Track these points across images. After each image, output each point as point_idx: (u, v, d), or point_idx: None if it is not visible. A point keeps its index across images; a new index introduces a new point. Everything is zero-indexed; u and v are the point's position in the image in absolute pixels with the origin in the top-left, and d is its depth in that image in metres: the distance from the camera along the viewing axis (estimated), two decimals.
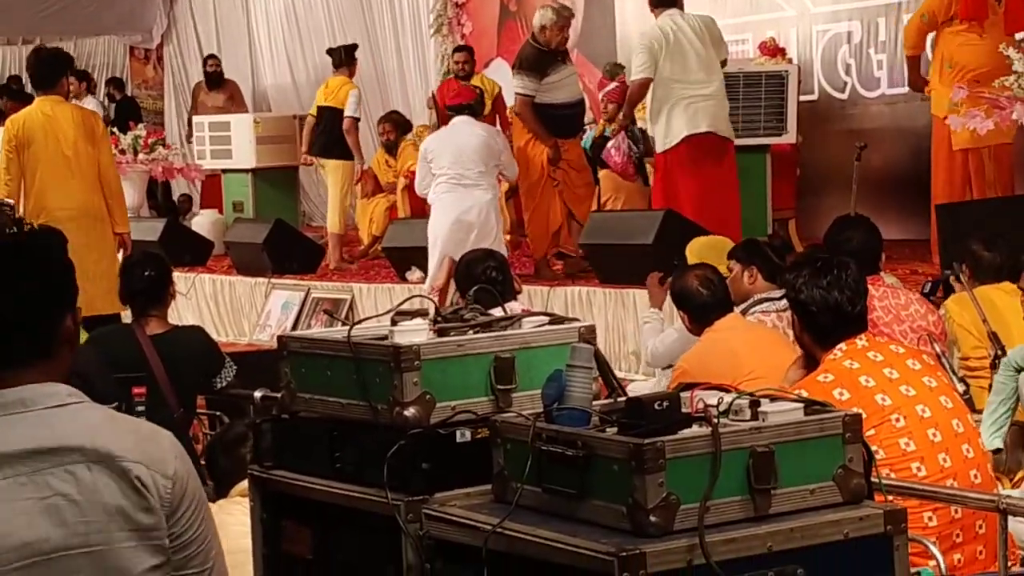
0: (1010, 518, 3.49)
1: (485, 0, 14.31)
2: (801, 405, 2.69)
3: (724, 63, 9.00)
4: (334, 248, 11.57)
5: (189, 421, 5.59)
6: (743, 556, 2.50)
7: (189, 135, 14.82)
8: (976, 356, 5.65)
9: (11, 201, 7.62)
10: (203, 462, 4.19)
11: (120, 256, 7.79)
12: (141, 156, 12.73)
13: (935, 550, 3.48)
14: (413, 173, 10.30)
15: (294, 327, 10.39)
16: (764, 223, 9.81)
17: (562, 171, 9.72)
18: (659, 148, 8.85)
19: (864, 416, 3.87)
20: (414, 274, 10.04)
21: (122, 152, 12.75)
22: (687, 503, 2.50)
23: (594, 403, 2.78)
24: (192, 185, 14.73)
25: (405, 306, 3.17)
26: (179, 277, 11.24)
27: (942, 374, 4.17)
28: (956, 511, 3.84)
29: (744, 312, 5.65)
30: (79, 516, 2.25)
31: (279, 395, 3.24)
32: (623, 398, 2.84)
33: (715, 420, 2.60)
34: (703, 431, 2.58)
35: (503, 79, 13.45)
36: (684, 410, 2.68)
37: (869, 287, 5.66)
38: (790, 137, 10.00)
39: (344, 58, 11.60)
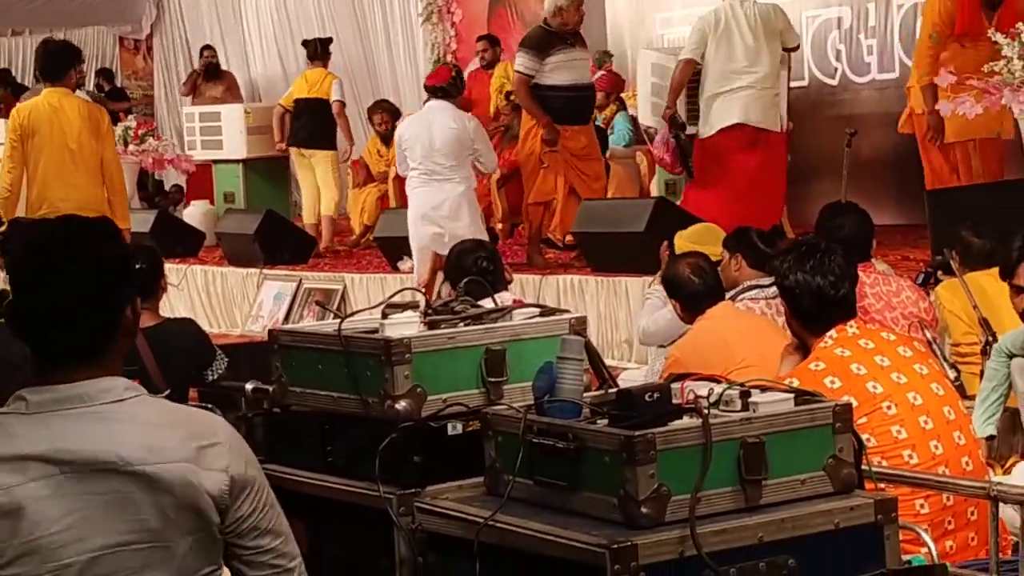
0: (1002, 504, 3.50)
1: None
2: (791, 395, 2.70)
3: (794, 50, 9.00)
4: (329, 232, 11.75)
5: None
6: (734, 547, 2.51)
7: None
8: (967, 342, 5.66)
9: None
10: None
11: None
12: (131, 147, 12.69)
13: (927, 537, 3.48)
14: None
15: (286, 318, 10.38)
16: None
17: (565, 159, 9.44)
18: (700, 136, 8.85)
19: (855, 404, 3.88)
20: (406, 263, 10.02)
21: None
22: (678, 494, 2.51)
23: (585, 395, 2.79)
24: (182, 176, 14.70)
25: (396, 299, 3.17)
26: (171, 268, 11.24)
27: (933, 361, 4.18)
28: (948, 498, 3.85)
29: (733, 299, 5.65)
30: (136, 513, 2.26)
31: (270, 388, 3.24)
32: (614, 389, 2.85)
33: (706, 411, 2.61)
34: (694, 422, 2.58)
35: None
36: (675, 401, 2.69)
37: (860, 274, 5.69)
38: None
39: (319, 51, 11.88)
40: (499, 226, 11.34)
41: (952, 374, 4.93)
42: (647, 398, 2.63)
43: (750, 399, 2.66)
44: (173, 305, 11.04)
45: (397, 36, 15.04)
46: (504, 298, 5.37)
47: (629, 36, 12.61)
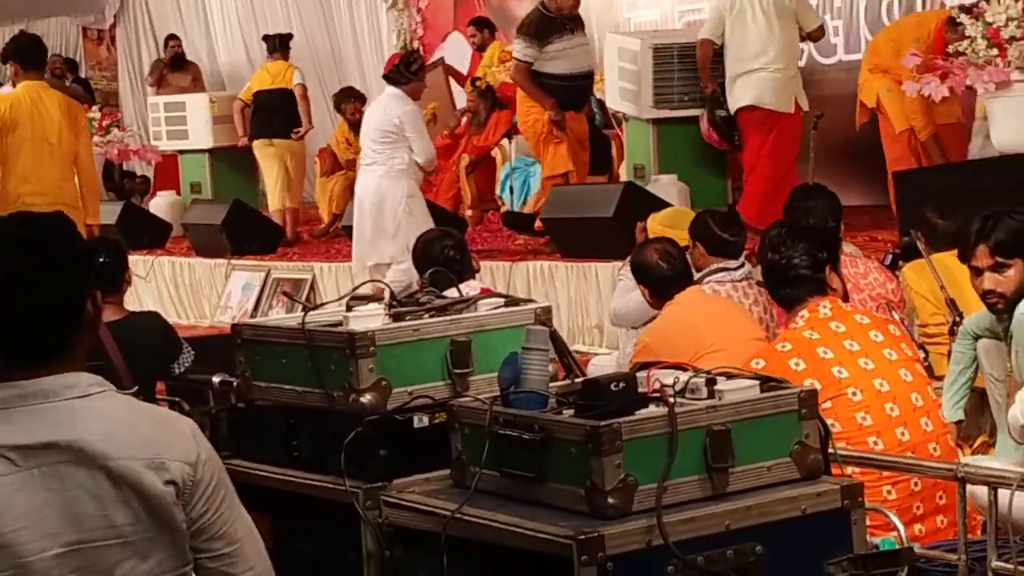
0: (970, 485, 3.50)
1: None
2: (757, 382, 2.69)
3: (816, 32, 9.09)
4: (294, 223, 11.90)
5: None
6: (701, 535, 2.51)
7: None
8: (934, 323, 5.68)
9: None
10: None
11: None
12: (96, 138, 12.59)
13: (895, 519, 3.48)
14: None
15: (255, 308, 10.34)
16: (723, 193, 9.82)
17: (567, 143, 9.30)
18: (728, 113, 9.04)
19: (820, 387, 3.90)
20: None
21: None
22: (645, 484, 2.50)
23: (551, 385, 2.78)
24: (148, 167, 14.62)
25: (361, 290, 3.15)
26: (138, 260, 11.21)
27: (908, 346, 4.16)
28: (916, 484, 3.86)
29: (698, 282, 5.65)
30: (101, 510, 2.25)
31: (236, 382, 3.22)
32: (580, 379, 2.83)
33: (671, 400, 2.60)
34: (659, 411, 2.57)
35: (461, 53, 13.42)
36: (641, 390, 2.68)
37: None
38: None
39: (279, 45, 12.27)
40: (468, 213, 11.31)
41: (920, 355, 4.94)
42: (613, 388, 2.61)
43: (716, 387, 2.65)
44: (141, 297, 10.99)
45: (362, 23, 14.98)
46: (472, 286, 5.36)
47: (596, 20, 12.57)
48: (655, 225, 6.71)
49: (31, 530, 2.22)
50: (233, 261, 10.97)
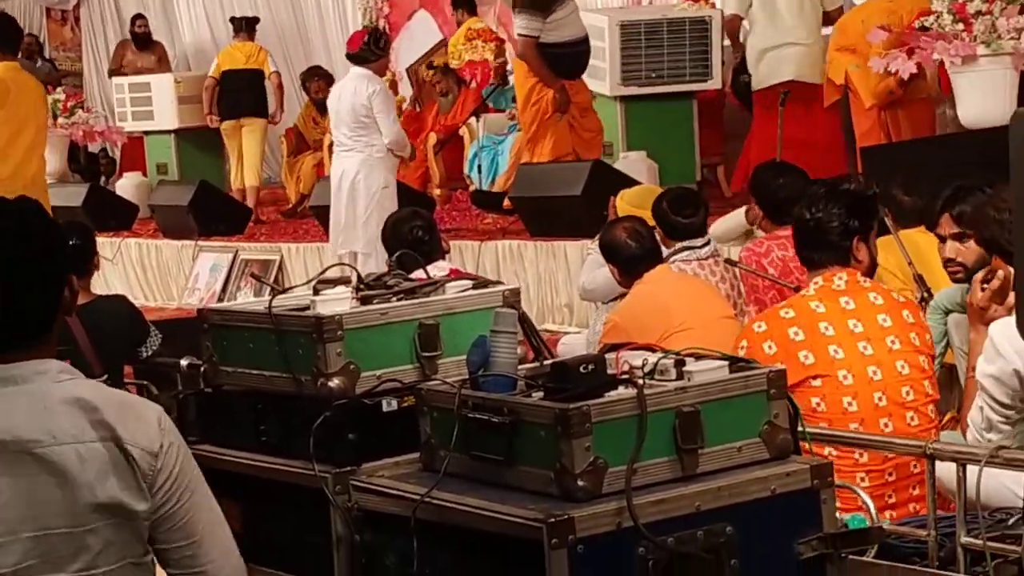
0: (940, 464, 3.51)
1: None
2: (726, 363, 2.69)
3: (835, 12, 9.08)
4: (255, 200, 12.04)
5: None
6: (671, 516, 2.50)
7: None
8: None
9: None
10: None
11: None
12: (61, 120, 12.50)
13: (865, 497, 3.50)
14: None
15: (223, 290, 10.29)
16: (692, 170, 9.82)
17: (570, 115, 9.08)
18: (753, 88, 9.05)
19: (812, 361, 3.89)
20: None
21: None
22: (615, 466, 2.50)
23: (520, 367, 2.77)
24: (114, 148, 14.52)
25: (328, 273, 3.13)
26: (104, 242, 11.13)
27: (917, 335, 4.08)
28: (891, 473, 3.87)
29: (665, 261, 5.65)
30: (64, 497, 2.24)
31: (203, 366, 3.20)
32: (549, 362, 2.82)
33: (640, 382, 2.59)
34: (629, 393, 2.57)
35: (427, 31, 13.37)
36: (610, 372, 2.67)
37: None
38: (716, 83, 9.99)
39: (245, 26, 12.53)
40: (437, 192, 11.28)
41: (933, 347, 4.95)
42: (582, 370, 2.60)
43: (685, 368, 2.65)
44: (108, 280, 10.92)
45: (327, 1, 14.89)
46: (441, 267, 5.34)
47: None
48: (623, 204, 6.70)
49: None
50: (200, 242, 10.91)
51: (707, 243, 5.96)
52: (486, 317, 2.85)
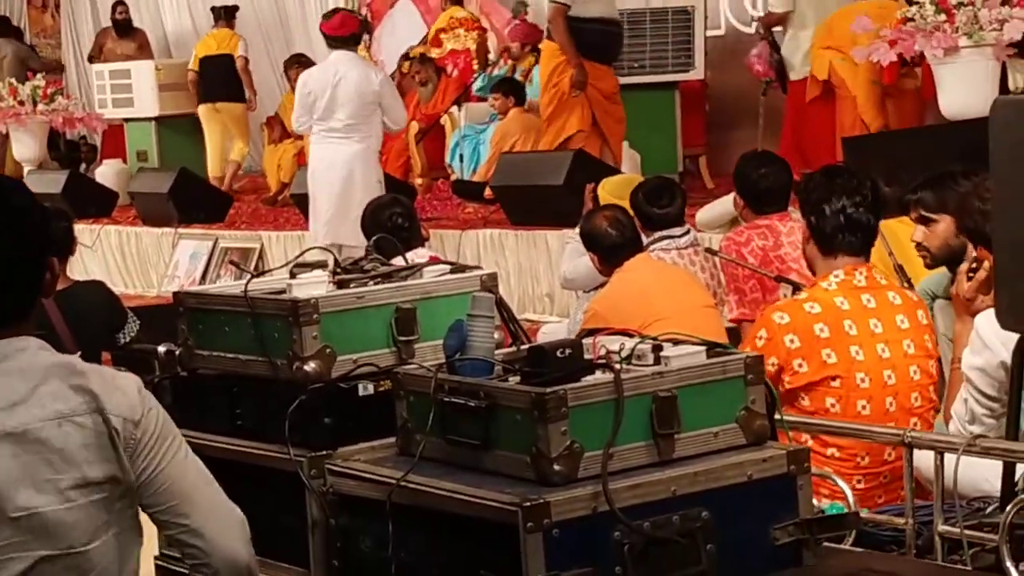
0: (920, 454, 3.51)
1: None
2: (703, 348, 2.68)
3: None
4: (232, 178, 12.43)
5: None
6: (647, 501, 2.49)
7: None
8: None
9: None
10: None
11: None
12: (41, 107, 12.45)
13: (842, 484, 3.50)
14: None
15: (203, 277, 10.26)
16: (674, 160, 9.83)
17: (593, 100, 8.89)
18: (790, 79, 9.04)
19: (835, 361, 3.86)
20: None
21: (21, 103, 12.49)
22: (591, 450, 2.49)
23: (497, 352, 2.76)
24: (94, 135, 14.47)
25: (305, 257, 3.11)
26: (84, 229, 11.10)
27: (929, 337, 4.06)
28: (886, 476, 3.87)
29: (644, 250, 5.64)
30: (52, 472, 2.23)
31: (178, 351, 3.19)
32: (526, 346, 2.81)
33: (617, 366, 2.58)
34: (605, 378, 2.56)
35: (410, 19, 13.33)
36: (587, 357, 2.66)
37: (777, 224, 5.72)
38: (698, 73, 9.99)
39: (225, 15, 12.83)
40: (418, 181, 11.26)
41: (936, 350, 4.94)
42: (559, 354, 2.59)
43: (662, 353, 2.64)
44: (87, 267, 10.88)
45: None
46: (421, 255, 5.33)
47: None
48: (605, 194, 6.70)
49: None
50: (180, 230, 10.88)
51: (686, 232, 5.96)
52: (463, 302, 2.83)
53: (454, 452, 2.63)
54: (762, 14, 10.06)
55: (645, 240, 5.73)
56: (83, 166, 14.15)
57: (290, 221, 10.82)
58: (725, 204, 7.02)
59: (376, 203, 6.14)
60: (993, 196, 3.25)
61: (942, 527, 3.28)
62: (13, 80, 12.77)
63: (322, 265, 3.07)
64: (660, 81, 9.69)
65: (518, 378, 2.63)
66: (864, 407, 3.88)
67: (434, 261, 3.64)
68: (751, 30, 11.06)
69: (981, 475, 3.50)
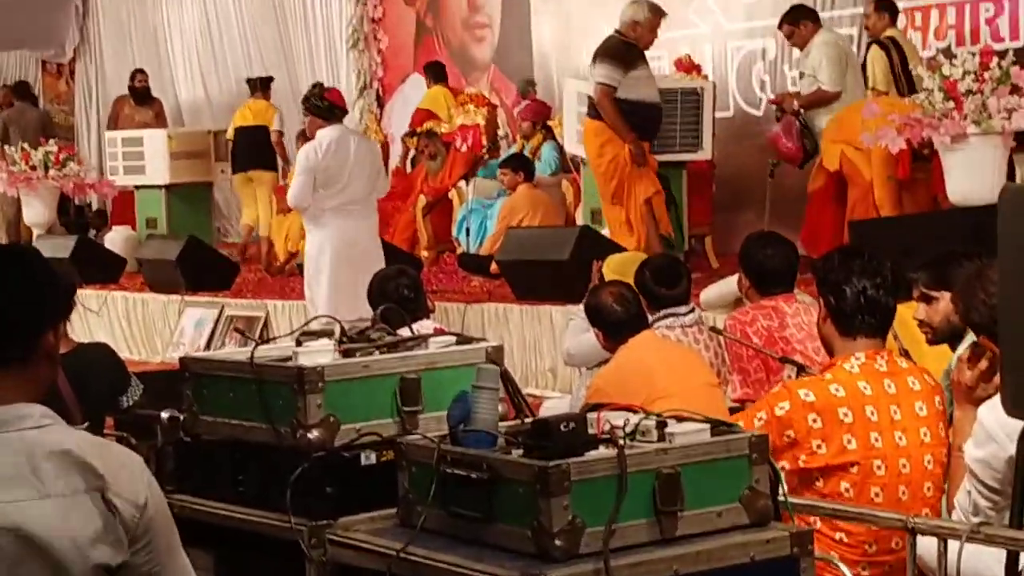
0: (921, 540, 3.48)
1: (402, 15, 14.27)
2: (707, 426, 2.68)
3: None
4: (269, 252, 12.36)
5: None
6: None
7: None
8: None
9: None
10: None
11: None
12: (52, 172, 12.53)
13: (844, 568, 3.47)
14: None
15: (207, 345, 10.26)
16: (681, 239, 9.85)
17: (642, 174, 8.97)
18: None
19: (853, 447, 3.83)
20: None
21: (32, 168, 12.57)
22: (592, 526, 2.47)
23: (501, 424, 2.75)
24: (104, 201, 14.55)
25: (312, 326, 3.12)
26: (91, 295, 11.12)
27: (943, 424, 4.00)
28: (890, 565, 3.83)
29: (649, 327, 5.64)
30: (45, 551, 2.19)
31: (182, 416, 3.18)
32: (530, 419, 2.81)
33: (621, 442, 2.58)
34: (609, 453, 2.55)
35: (421, 94, 13.43)
36: (591, 431, 2.65)
37: (782, 304, 5.72)
38: (706, 154, 10.04)
39: (261, 86, 13.06)
40: (424, 254, 11.30)
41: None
42: (563, 428, 2.59)
43: (666, 429, 2.63)
44: (93, 332, 10.89)
45: (321, 62, 14.98)
46: (426, 326, 5.33)
47: (555, 64, 12.64)
48: (608, 271, 6.71)
49: None
50: (186, 297, 10.89)
51: (691, 310, 5.96)
52: (468, 373, 2.83)
53: (455, 524, 2.61)
54: (778, 94, 10.08)
55: (649, 317, 5.73)
56: (92, 232, 14.20)
57: (296, 290, 10.83)
58: (729, 284, 7.03)
59: (383, 274, 6.15)
60: (999, 282, 3.24)
61: None
62: (26, 145, 12.86)
63: (328, 334, 3.08)
64: (668, 160, 9.73)
65: (521, 451, 2.63)
66: (878, 495, 3.84)
67: (440, 333, 3.65)
68: (759, 112, 11.14)
69: (985, 564, 3.46)
